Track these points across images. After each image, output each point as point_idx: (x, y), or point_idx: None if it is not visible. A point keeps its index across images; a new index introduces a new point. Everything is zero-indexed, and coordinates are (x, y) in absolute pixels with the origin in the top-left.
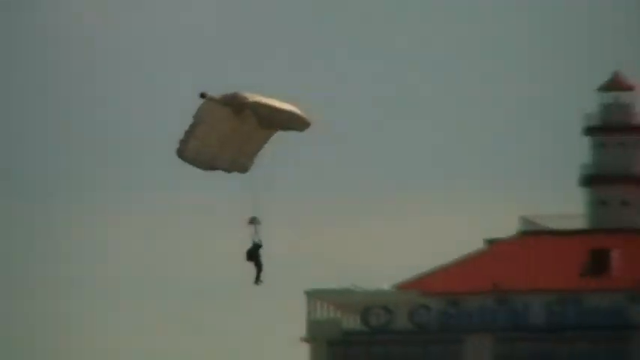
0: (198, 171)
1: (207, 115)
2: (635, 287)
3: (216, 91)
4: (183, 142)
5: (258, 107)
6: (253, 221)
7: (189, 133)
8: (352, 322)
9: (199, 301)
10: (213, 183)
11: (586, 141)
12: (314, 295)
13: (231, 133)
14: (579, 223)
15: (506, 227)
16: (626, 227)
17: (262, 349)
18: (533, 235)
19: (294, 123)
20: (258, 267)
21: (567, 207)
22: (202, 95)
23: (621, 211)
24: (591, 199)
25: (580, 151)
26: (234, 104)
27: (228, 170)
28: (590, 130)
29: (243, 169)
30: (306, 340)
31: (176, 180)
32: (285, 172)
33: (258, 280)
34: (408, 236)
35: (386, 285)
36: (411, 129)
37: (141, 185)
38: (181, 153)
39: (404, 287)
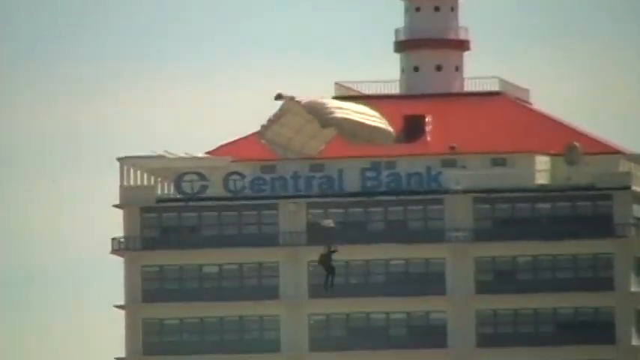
0: None
1: (289, 119)
2: (448, 152)
3: None
4: (265, 132)
5: (343, 123)
6: (327, 224)
7: (268, 125)
8: (166, 189)
9: (6, 169)
10: None
11: (401, 5)
12: (127, 162)
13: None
14: (394, 88)
15: (321, 93)
16: (440, 92)
17: (76, 216)
18: (347, 100)
19: (377, 137)
20: (331, 272)
21: (382, 72)
22: (278, 97)
23: (435, 77)
24: (405, 64)
25: (394, 16)
26: (320, 118)
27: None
28: None
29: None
30: (120, 206)
31: None
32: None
33: (330, 285)
34: (221, 102)
35: (199, 152)
36: None
37: None
38: (262, 138)
39: (217, 153)
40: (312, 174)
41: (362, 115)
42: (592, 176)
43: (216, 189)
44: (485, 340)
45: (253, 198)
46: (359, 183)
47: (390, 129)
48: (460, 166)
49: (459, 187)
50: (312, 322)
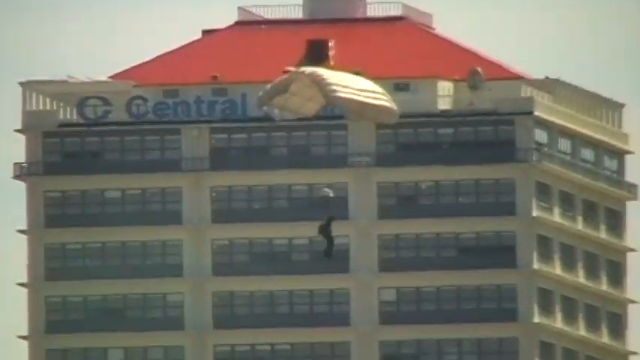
0: None
1: (295, 88)
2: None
3: None
4: (266, 98)
5: (348, 104)
6: (327, 193)
7: (273, 93)
8: (68, 114)
9: None
10: None
11: None
12: (29, 86)
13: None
14: (297, 13)
15: (224, 17)
16: (343, 17)
17: None
18: (250, 25)
19: (382, 116)
20: (330, 241)
21: None
22: (286, 72)
23: (338, 1)
24: None
25: None
26: (324, 93)
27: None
28: None
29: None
30: (22, 131)
31: None
32: None
33: (329, 254)
34: (124, 27)
35: (102, 76)
36: None
37: None
38: (262, 105)
39: (120, 78)
40: (215, 98)
41: (366, 94)
42: (494, 101)
43: (119, 114)
44: (387, 265)
45: (156, 123)
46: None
47: (394, 107)
48: None
49: None
50: (214, 247)
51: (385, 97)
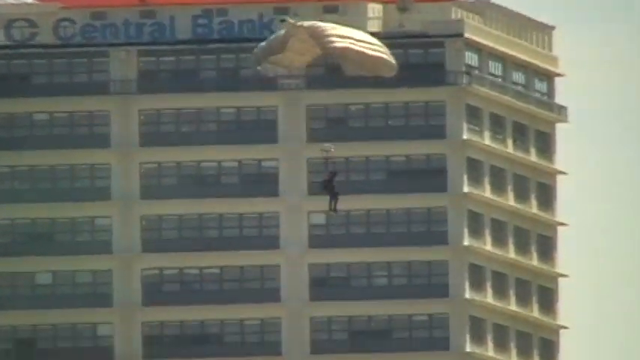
0: None
1: (291, 44)
2: (281, 0)
3: None
4: (262, 57)
5: (346, 53)
6: (327, 148)
7: (268, 52)
8: None
9: None
10: None
11: None
12: None
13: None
14: None
15: None
16: None
17: None
18: None
19: (380, 68)
20: (334, 197)
21: None
22: (283, 20)
23: None
24: None
25: None
26: (321, 45)
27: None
28: None
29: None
30: None
31: None
32: None
33: (334, 209)
34: None
35: None
36: None
37: None
38: (258, 64)
39: (47, 0)
40: (143, 21)
41: (364, 44)
42: (424, 24)
43: (46, 36)
44: (316, 188)
45: (84, 45)
46: (190, 30)
47: (393, 60)
48: (293, 14)
49: None
50: (142, 170)
51: (384, 50)
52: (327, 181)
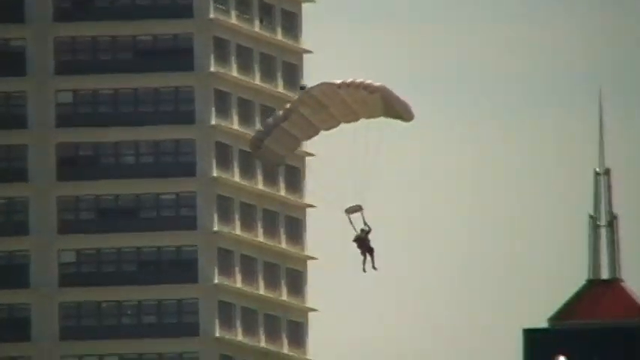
0: None
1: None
2: None
3: None
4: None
5: (386, 92)
6: (356, 210)
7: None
8: None
9: None
10: None
11: None
12: None
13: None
14: None
15: None
16: None
17: None
18: None
19: (405, 115)
20: (371, 252)
21: None
22: (302, 88)
23: None
24: None
25: None
26: (366, 86)
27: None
28: None
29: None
30: None
31: None
32: None
33: (372, 267)
34: None
35: None
36: None
37: None
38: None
39: None
40: None
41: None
42: None
43: None
44: (64, 120)
45: None
46: None
47: (411, 110)
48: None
49: None
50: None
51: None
52: (362, 239)
